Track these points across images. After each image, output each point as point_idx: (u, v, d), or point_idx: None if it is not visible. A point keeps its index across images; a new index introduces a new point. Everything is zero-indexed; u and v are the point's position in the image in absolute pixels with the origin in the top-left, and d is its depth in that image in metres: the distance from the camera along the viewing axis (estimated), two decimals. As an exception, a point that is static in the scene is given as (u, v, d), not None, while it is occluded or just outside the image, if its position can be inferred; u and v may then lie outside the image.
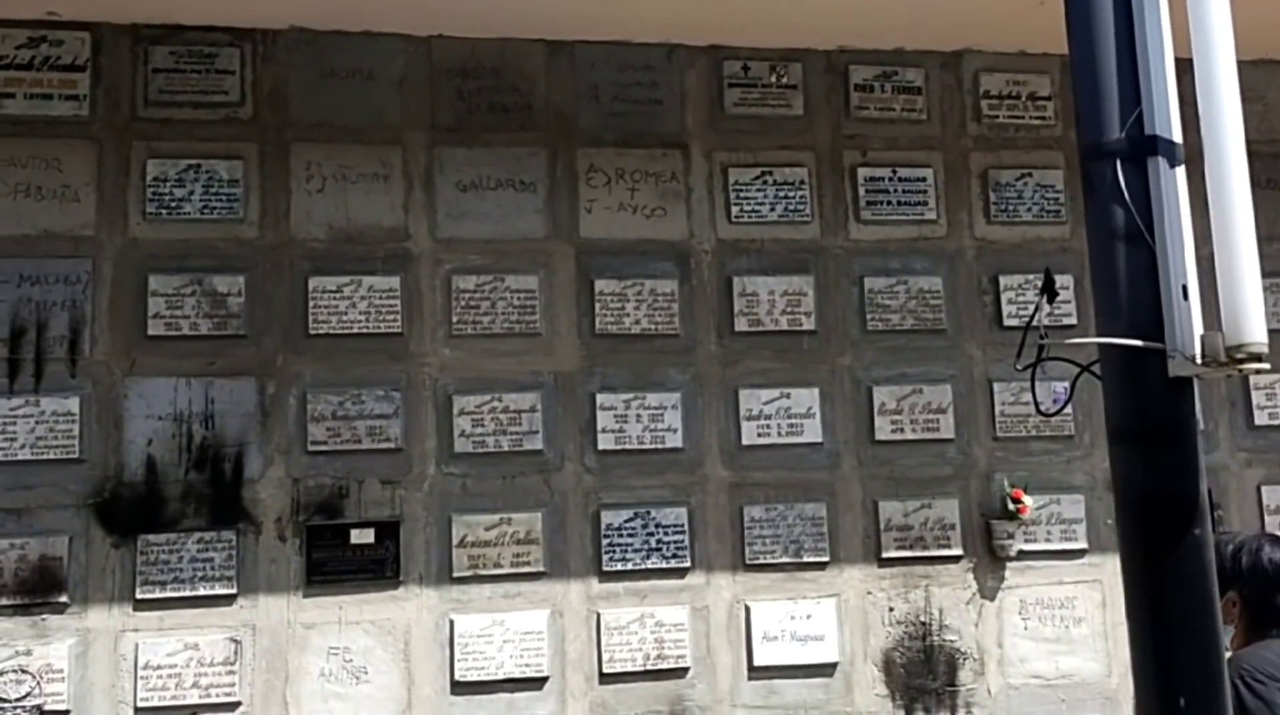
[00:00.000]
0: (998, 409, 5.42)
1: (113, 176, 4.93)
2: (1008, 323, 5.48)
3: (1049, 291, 1.81)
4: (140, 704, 4.61)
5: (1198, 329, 1.68)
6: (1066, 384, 5.34)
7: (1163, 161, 1.73)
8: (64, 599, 4.63)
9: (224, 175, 4.99)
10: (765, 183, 5.44)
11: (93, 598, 4.66)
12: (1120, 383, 1.73)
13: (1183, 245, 1.70)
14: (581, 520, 5.09)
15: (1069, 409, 5.42)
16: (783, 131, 5.50)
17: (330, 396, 4.95)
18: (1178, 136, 1.75)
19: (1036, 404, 1.86)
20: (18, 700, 4.47)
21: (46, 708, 4.50)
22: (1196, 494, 1.68)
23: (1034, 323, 1.86)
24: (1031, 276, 5.56)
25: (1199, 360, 1.66)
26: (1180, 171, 1.74)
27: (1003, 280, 5.55)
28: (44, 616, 4.61)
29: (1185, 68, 1.70)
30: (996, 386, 5.44)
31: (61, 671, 4.56)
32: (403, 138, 5.19)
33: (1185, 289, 1.69)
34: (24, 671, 4.52)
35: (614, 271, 5.27)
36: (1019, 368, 1.85)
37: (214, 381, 4.88)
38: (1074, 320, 5.41)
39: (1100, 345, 1.75)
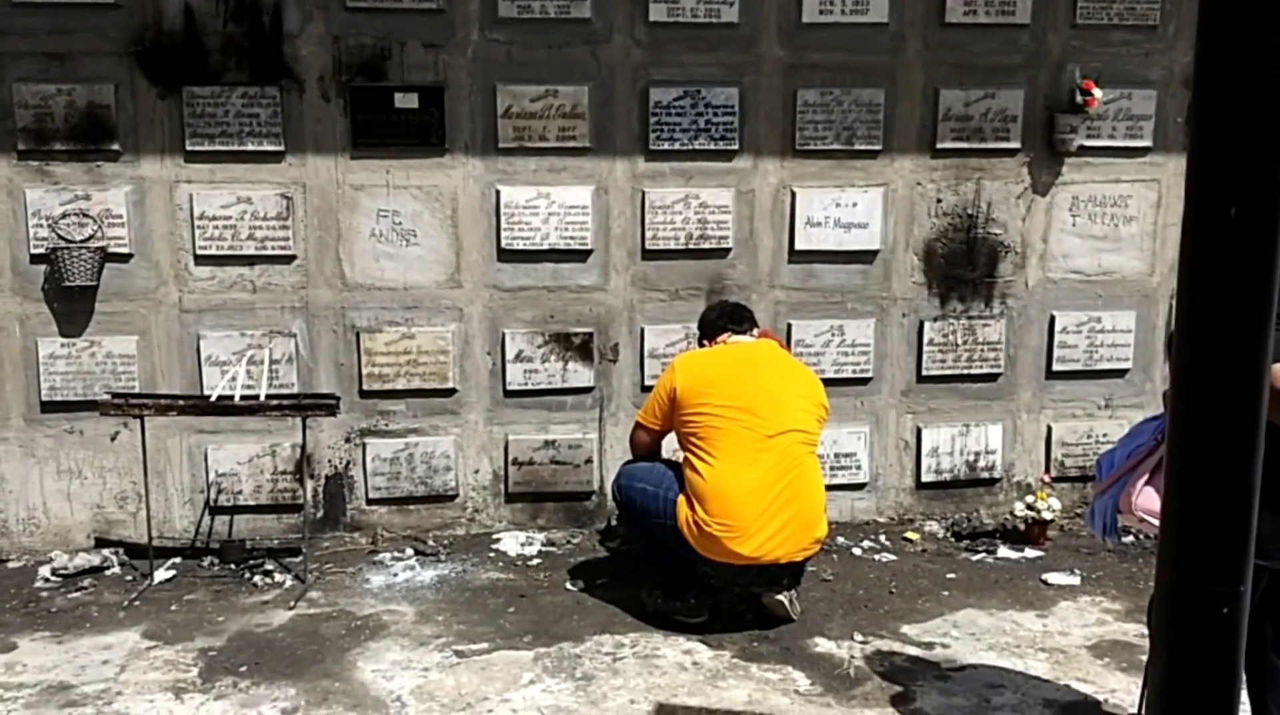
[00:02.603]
0: (1082, -7, 5.04)
1: None
2: (1107, -106, 4.94)
3: None
4: (199, 252, 4.79)
5: None
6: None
7: None
8: (116, 147, 4.68)
9: None
10: None
11: (144, 148, 4.71)
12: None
13: None
14: (629, 96, 4.95)
15: (1158, -5, 5.03)
16: None
17: (368, -52, 4.68)
18: None
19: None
20: (82, 242, 4.65)
21: (110, 250, 4.69)
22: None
23: None
24: None
25: None
26: None
27: None
28: (98, 164, 4.69)
29: None
30: (1085, -32, 5.02)
31: (121, 217, 4.70)
32: None
33: None
34: (85, 215, 4.67)
35: None
36: None
37: (245, -74, 4.61)
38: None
39: None
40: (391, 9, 4.75)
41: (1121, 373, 5.36)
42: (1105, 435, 5.31)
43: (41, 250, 4.66)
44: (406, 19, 4.77)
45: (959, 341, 5.26)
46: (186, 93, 4.68)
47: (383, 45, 4.78)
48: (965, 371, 5.29)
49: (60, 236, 4.64)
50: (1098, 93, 4.97)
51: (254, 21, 4.68)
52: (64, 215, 4.65)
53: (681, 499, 3.98)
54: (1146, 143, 5.18)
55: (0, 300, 4.73)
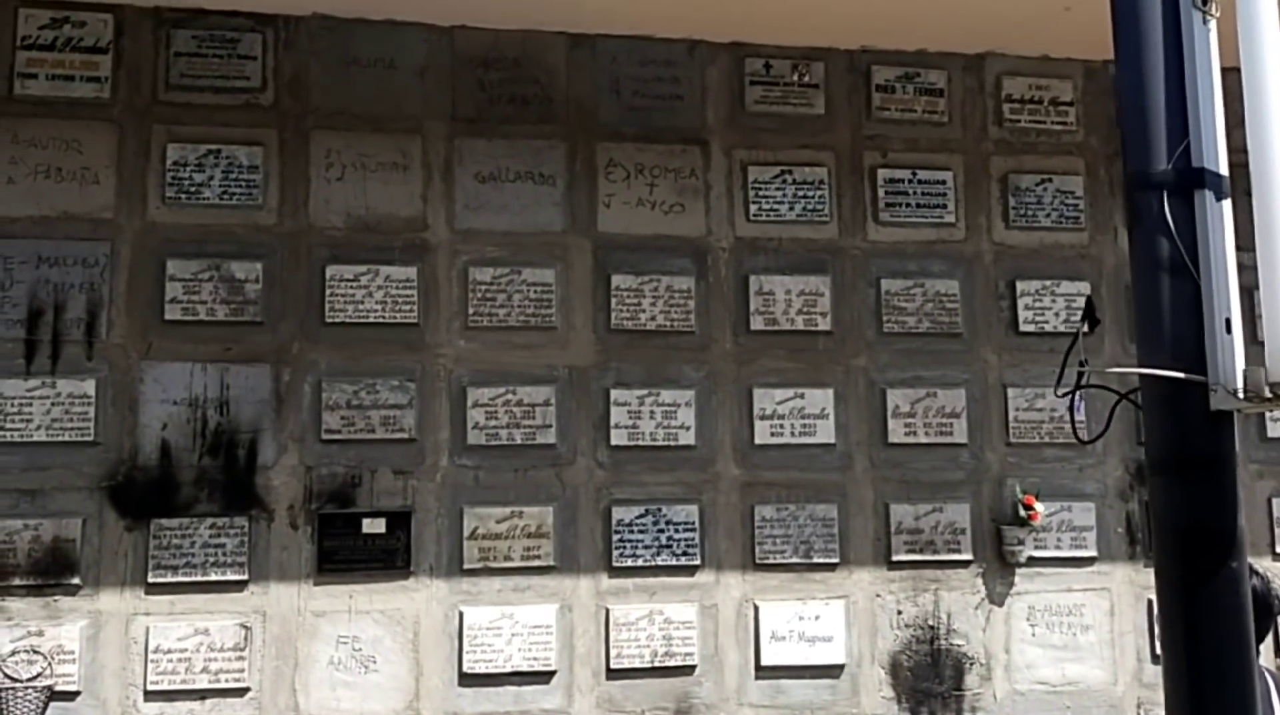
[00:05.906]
0: (1011, 415, 5.42)
1: (133, 160, 4.92)
2: (1024, 328, 5.47)
3: (1090, 319, 1.80)
4: (150, 687, 4.63)
5: (1240, 363, 1.67)
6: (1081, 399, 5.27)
7: (1209, 194, 1.72)
8: (76, 581, 4.64)
9: (244, 161, 4.98)
10: (784, 181, 5.42)
11: (105, 580, 4.67)
12: (1161, 413, 1.73)
13: (1227, 279, 1.69)
14: (593, 515, 5.10)
15: (1081, 416, 5.40)
16: (803, 130, 5.48)
17: (345, 385, 4.95)
18: (1224, 170, 1.74)
19: (1075, 431, 1.84)
20: (29, 680, 4.48)
21: (57, 689, 4.52)
22: (1235, 527, 1.68)
23: (1073, 350, 1.85)
24: (1048, 282, 5.55)
25: (1241, 395, 1.65)
26: (1226, 205, 1.73)
27: (1020, 285, 5.54)
28: (56, 598, 4.63)
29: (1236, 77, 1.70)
30: (1011, 392, 5.44)
31: (73, 653, 4.57)
32: (423, 127, 5.17)
33: (1229, 323, 1.68)
34: (36, 652, 4.54)
35: (631, 267, 5.26)
36: (1059, 394, 1.85)
37: (230, 367, 4.88)
38: (1086, 328, 5.40)
39: (1142, 375, 1.74)
40: (364, 439, 4.94)
41: (1101, 788, 5.23)
42: None
43: (-16, 692, 4.48)
44: (379, 448, 4.96)
45: (934, 759, 5.13)
46: (154, 525, 4.72)
47: (354, 473, 4.93)
48: (943, 792, 5.12)
49: (6, 675, 4.48)
50: (1039, 506, 5.22)
51: (229, 454, 4.83)
52: (13, 653, 4.52)
53: None
54: (1092, 552, 5.38)
55: (-69, 748, 4.47)
